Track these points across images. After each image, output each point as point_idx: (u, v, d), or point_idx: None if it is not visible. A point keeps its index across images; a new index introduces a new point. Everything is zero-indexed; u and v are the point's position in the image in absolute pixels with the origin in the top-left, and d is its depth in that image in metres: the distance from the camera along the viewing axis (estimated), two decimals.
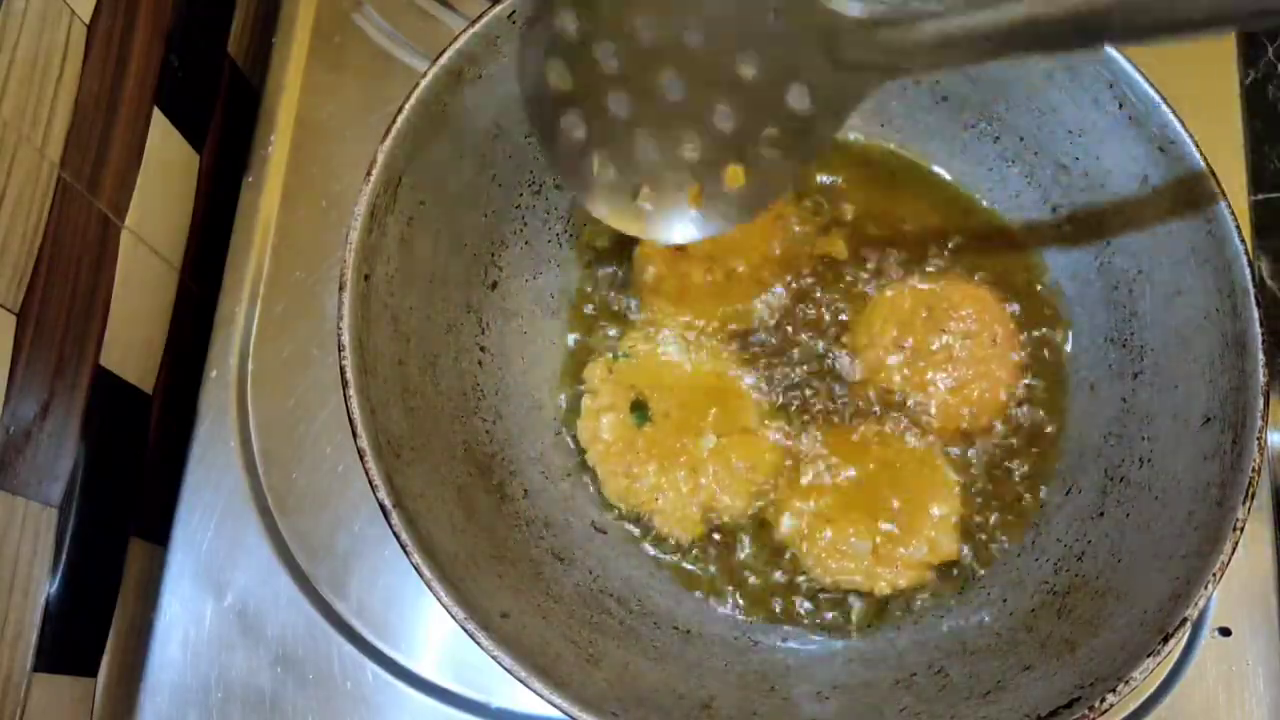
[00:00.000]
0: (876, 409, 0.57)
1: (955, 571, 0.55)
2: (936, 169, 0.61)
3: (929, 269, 0.59)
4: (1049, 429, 0.57)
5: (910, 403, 0.56)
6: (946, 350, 0.57)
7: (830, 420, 0.57)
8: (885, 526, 0.54)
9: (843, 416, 0.57)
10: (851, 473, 0.55)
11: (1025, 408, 0.57)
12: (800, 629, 0.54)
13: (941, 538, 0.54)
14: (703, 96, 0.45)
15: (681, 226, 0.49)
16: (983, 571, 0.55)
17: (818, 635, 0.54)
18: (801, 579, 0.54)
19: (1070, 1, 0.38)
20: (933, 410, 0.56)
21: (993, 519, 0.55)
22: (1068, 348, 0.58)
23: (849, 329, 0.58)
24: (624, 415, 0.56)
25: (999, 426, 0.57)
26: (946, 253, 0.59)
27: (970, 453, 0.57)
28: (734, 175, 0.47)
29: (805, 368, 0.58)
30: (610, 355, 0.57)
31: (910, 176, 0.61)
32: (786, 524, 0.54)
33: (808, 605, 0.54)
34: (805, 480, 0.55)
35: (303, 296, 0.63)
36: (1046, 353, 0.58)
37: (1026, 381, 0.58)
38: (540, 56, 0.46)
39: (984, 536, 0.55)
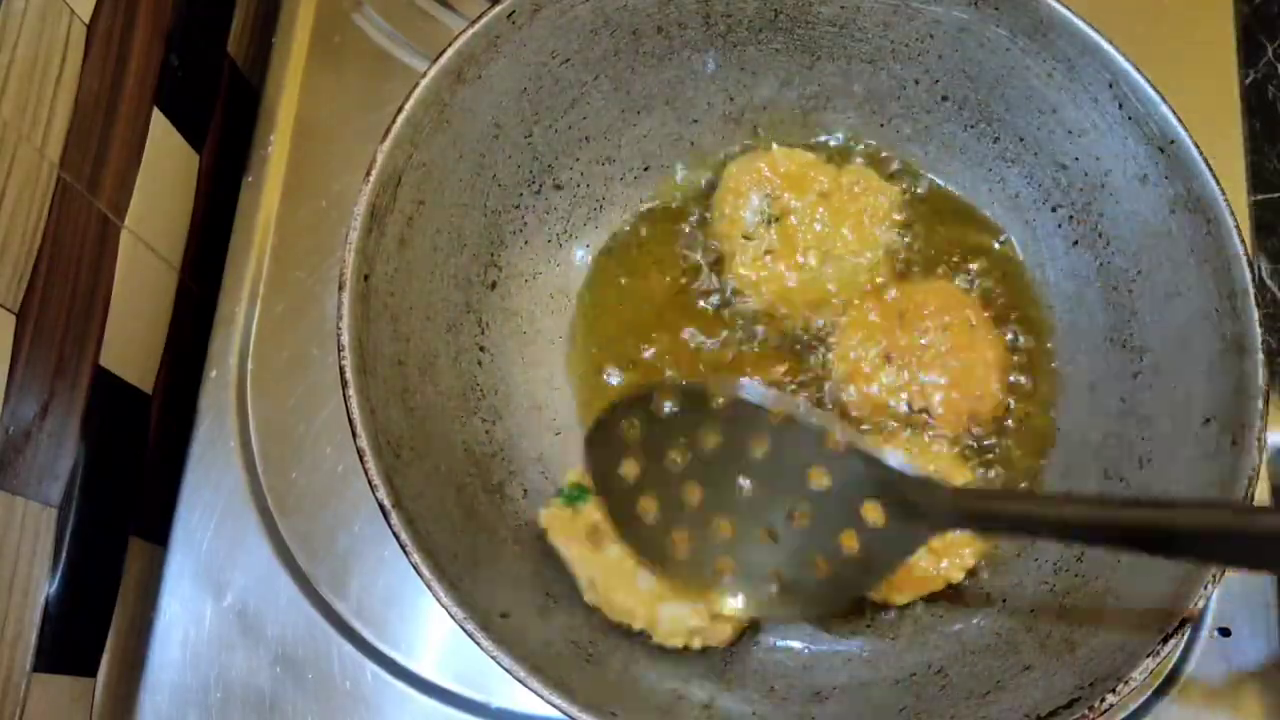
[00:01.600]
0: (891, 424, 0.56)
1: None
2: (930, 175, 0.61)
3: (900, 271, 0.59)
4: (1045, 428, 0.57)
5: (915, 409, 0.56)
6: (932, 349, 0.57)
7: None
8: None
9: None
10: None
11: (1022, 406, 0.57)
12: (800, 628, 0.54)
13: None
14: (775, 499, 0.47)
15: (761, 606, 0.48)
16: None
17: (820, 634, 0.54)
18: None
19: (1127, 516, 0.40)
20: (941, 411, 0.56)
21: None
22: (1067, 348, 0.58)
23: (834, 352, 0.58)
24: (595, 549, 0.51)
25: (1003, 418, 0.57)
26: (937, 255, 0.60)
27: (972, 443, 0.57)
28: (819, 567, 0.47)
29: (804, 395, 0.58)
30: (561, 501, 0.53)
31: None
32: None
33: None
34: None
35: (302, 296, 0.63)
36: (1045, 353, 0.58)
37: (1023, 380, 0.58)
38: (612, 456, 0.48)
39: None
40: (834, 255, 0.58)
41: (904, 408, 0.56)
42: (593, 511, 0.51)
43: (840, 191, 0.59)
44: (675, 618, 0.49)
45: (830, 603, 0.49)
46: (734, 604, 0.48)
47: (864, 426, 0.56)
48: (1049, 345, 0.58)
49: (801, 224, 0.58)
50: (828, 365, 0.58)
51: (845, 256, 0.58)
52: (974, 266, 0.59)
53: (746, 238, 0.58)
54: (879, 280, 0.59)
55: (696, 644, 0.49)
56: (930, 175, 0.61)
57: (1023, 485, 0.56)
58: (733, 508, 0.47)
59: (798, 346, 0.58)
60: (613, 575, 0.49)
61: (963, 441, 0.57)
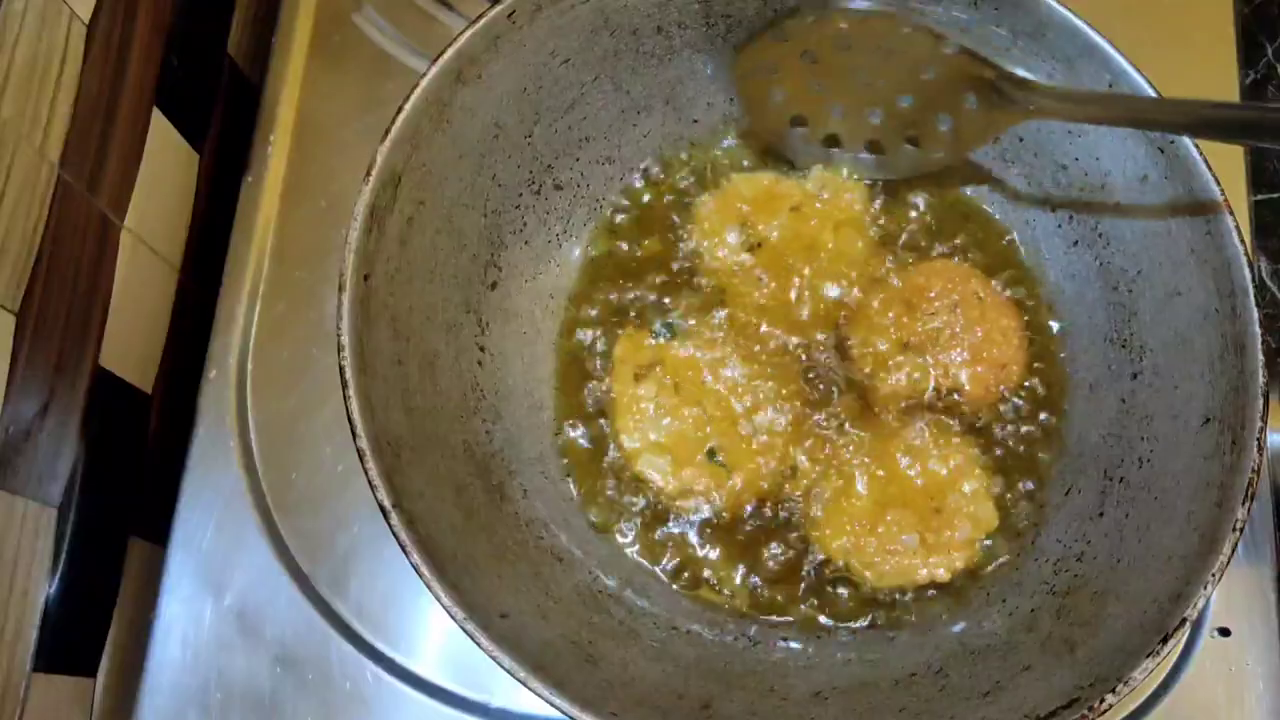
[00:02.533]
0: (917, 412, 0.57)
1: (1007, 537, 0.55)
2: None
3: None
4: (1051, 423, 0.57)
5: (944, 391, 0.56)
6: (947, 329, 0.57)
7: (848, 426, 0.57)
8: (924, 515, 0.54)
9: (864, 421, 0.57)
10: (879, 472, 0.56)
11: (1025, 403, 0.57)
12: (801, 628, 0.54)
13: (979, 509, 0.54)
14: (886, 88, 0.56)
15: (856, 168, 0.59)
16: (1039, 528, 0.55)
17: (820, 635, 0.54)
18: (808, 567, 0.55)
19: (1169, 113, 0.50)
20: (969, 387, 0.56)
21: (1019, 482, 0.56)
22: (1065, 349, 0.58)
23: (852, 353, 0.58)
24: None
25: (1010, 404, 0.57)
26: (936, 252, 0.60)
27: (983, 428, 0.57)
28: (912, 138, 0.57)
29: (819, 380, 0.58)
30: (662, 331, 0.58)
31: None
32: (834, 544, 0.54)
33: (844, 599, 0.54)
34: (832, 487, 0.55)
35: (302, 296, 0.63)
36: (1044, 353, 0.58)
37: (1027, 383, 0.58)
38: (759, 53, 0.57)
39: (1019, 496, 0.56)
40: (823, 263, 0.58)
41: (931, 393, 0.57)
42: (668, 349, 0.57)
43: (810, 201, 0.59)
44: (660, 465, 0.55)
45: (915, 169, 0.58)
46: (839, 166, 0.59)
47: (892, 418, 0.57)
48: (1042, 300, 0.59)
49: (783, 243, 0.59)
50: (846, 367, 0.58)
51: (834, 261, 0.58)
52: (963, 239, 0.60)
53: (734, 273, 0.58)
54: (878, 273, 0.59)
55: (689, 501, 0.55)
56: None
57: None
58: (847, 85, 0.56)
59: (810, 353, 0.58)
60: (642, 415, 0.56)
61: (989, 417, 0.57)
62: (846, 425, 0.56)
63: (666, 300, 0.59)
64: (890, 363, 0.57)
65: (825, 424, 0.57)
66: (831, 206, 0.59)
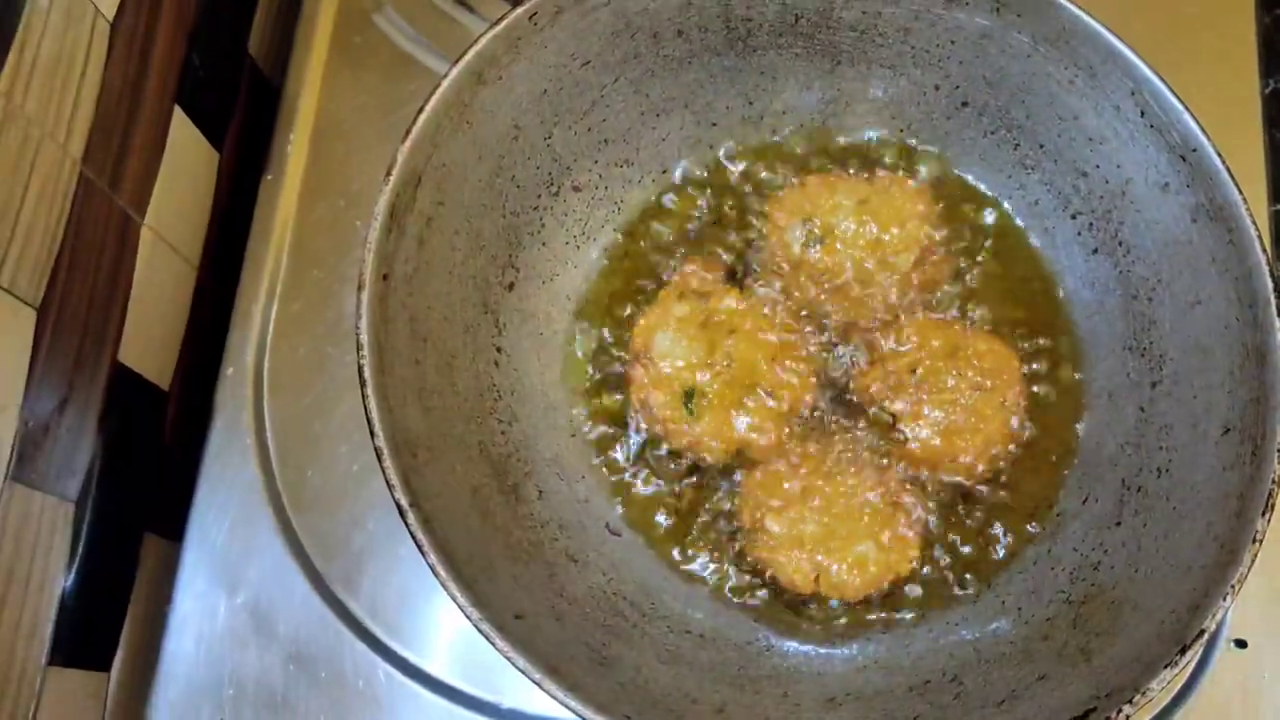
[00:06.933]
0: (861, 423, 0.57)
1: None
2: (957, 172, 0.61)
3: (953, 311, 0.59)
4: (1052, 455, 0.57)
5: (900, 426, 0.56)
6: (954, 393, 0.56)
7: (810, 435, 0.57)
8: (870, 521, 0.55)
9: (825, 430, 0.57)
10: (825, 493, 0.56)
11: (1029, 428, 0.57)
12: (807, 634, 0.54)
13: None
14: None
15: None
16: (1056, 536, 0.55)
17: (834, 640, 0.54)
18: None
19: None
20: (922, 436, 0.56)
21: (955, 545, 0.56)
22: (1086, 356, 0.58)
23: (870, 343, 0.58)
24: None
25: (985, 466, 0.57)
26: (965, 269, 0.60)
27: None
28: None
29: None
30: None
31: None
32: (796, 575, 0.54)
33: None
34: (776, 511, 0.55)
35: (320, 295, 0.64)
36: (1059, 363, 0.58)
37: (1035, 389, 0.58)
38: None
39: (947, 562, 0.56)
40: (882, 258, 0.58)
41: (898, 425, 0.56)
42: (716, 296, 0.57)
43: (875, 198, 0.59)
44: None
45: None
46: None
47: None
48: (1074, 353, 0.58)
49: (842, 242, 0.58)
50: (860, 355, 0.58)
51: (890, 255, 0.58)
52: (1037, 341, 0.59)
53: (794, 267, 0.59)
54: (947, 298, 0.59)
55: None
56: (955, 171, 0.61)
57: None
58: None
59: (831, 354, 0.59)
60: (666, 324, 0.57)
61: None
62: (831, 421, 0.57)
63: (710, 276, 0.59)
64: (892, 373, 0.57)
65: (812, 418, 0.57)
66: (893, 205, 0.59)
